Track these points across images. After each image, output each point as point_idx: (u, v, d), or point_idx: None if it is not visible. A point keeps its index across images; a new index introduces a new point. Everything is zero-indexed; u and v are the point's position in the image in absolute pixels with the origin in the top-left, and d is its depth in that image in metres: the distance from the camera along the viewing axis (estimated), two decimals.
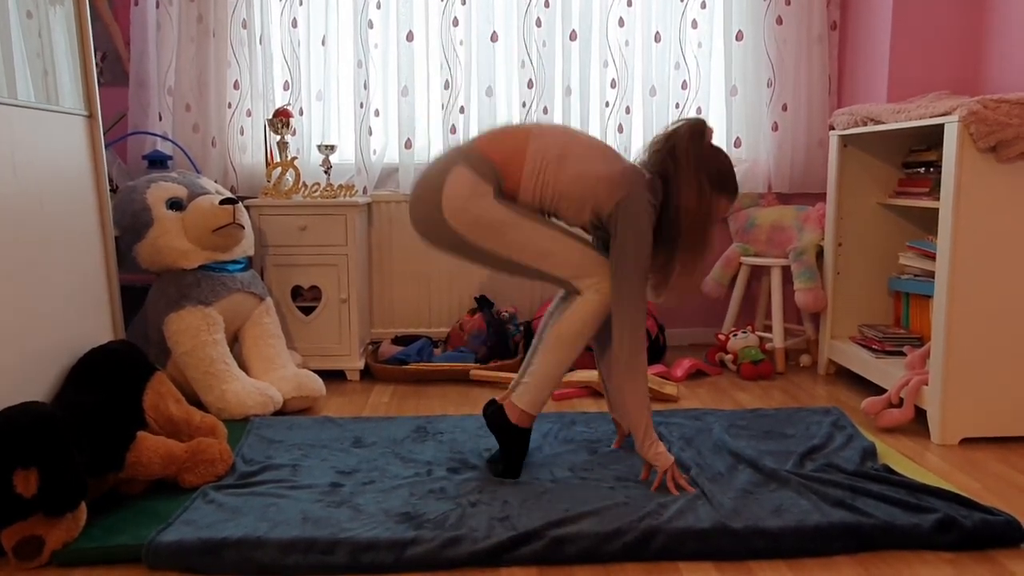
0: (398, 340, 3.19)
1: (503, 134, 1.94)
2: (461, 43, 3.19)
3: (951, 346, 2.24)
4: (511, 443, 1.99)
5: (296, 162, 3.03)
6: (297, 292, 2.96)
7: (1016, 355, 2.26)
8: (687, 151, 1.86)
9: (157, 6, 3.12)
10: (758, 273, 3.43)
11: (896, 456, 2.13)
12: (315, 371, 2.74)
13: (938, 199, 2.46)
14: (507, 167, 1.88)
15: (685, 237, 1.88)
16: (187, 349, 2.43)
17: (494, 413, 2.01)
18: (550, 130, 1.94)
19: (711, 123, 3.26)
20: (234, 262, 2.65)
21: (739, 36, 3.29)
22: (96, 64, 2.38)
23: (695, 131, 1.89)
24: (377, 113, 3.24)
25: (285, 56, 3.18)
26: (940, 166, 2.60)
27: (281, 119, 2.97)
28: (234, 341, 2.69)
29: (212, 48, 3.13)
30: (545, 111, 3.23)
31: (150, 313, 2.54)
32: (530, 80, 3.21)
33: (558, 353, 1.93)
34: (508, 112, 3.27)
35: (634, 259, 1.85)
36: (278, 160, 3.00)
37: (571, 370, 2.97)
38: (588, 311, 1.90)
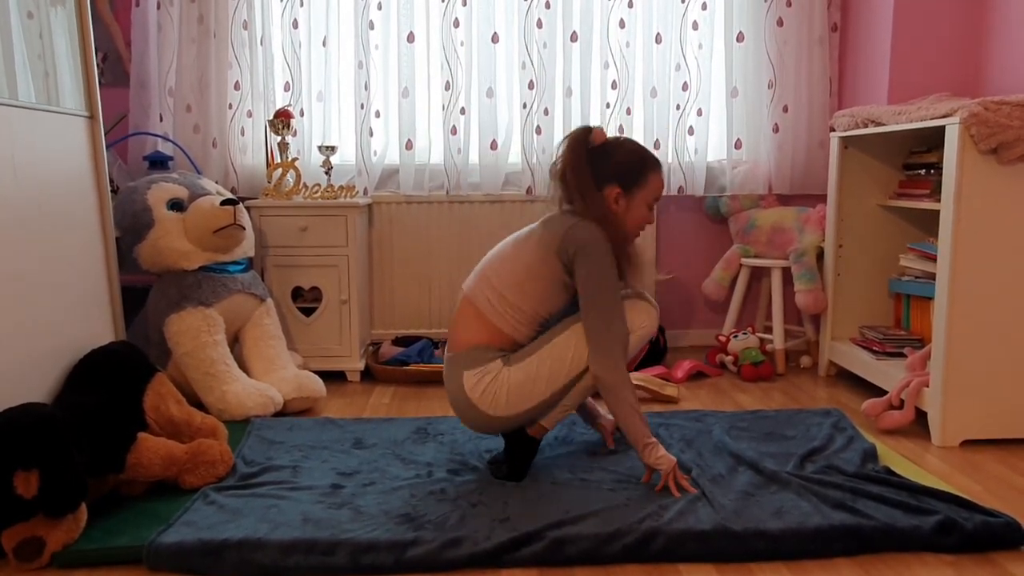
0: (399, 341, 3.19)
1: (457, 322, 1.96)
2: (462, 44, 3.19)
3: (952, 348, 2.24)
4: (521, 449, 1.99)
5: (297, 163, 3.03)
6: (298, 293, 2.96)
7: (1017, 357, 2.25)
8: (570, 166, 1.90)
9: (158, 7, 3.12)
10: (758, 274, 3.43)
11: (897, 458, 2.13)
12: (315, 372, 2.73)
13: (939, 201, 2.46)
14: (488, 336, 1.90)
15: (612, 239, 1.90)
16: (188, 350, 2.43)
17: None
18: (475, 279, 1.96)
19: (712, 124, 3.26)
20: (235, 263, 2.65)
21: (740, 37, 3.29)
22: (97, 65, 2.38)
23: (574, 144, 1.92)
24: (378, 114, 3.24)
25: (286, 57, 3.18)
26: (941, 168, 2.60)
27: (282, 120, 2.97)
28: (235, 342, 2.69)
29: (213, 49, 3.13)
30: (546, 112, 3.23)
31: (151, 314, 2.54)
32: (531, 81, 3.21)
33: (590, 385, 1.93)
34: (509, 113, 3.27)
35: (597, 289, 1.85)
36: (279, 161, 3.00)
37: None
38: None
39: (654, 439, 1.88)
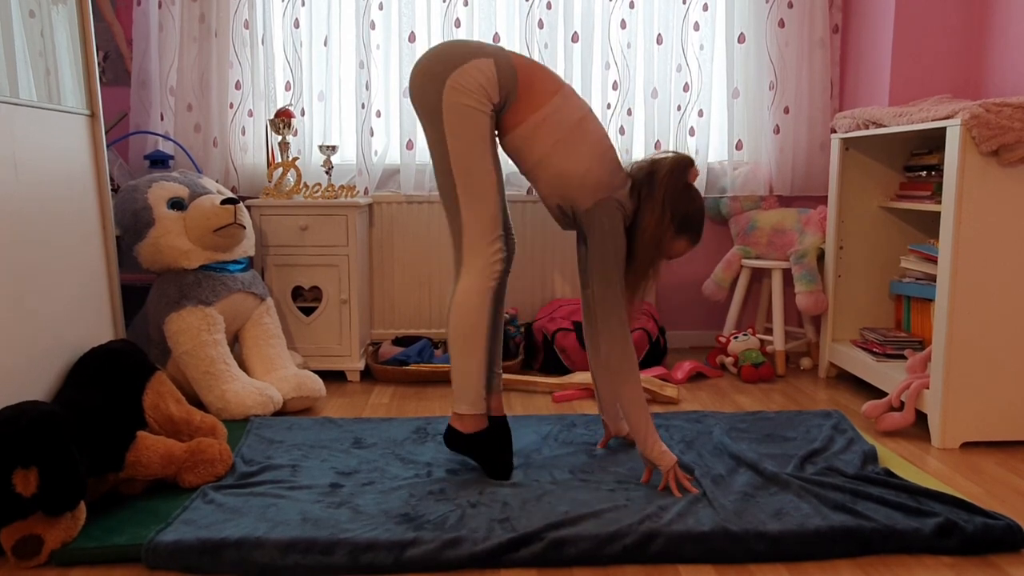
0: (398, 341, 3.19)
1: (542, 70, 1.93)
2: None
3: (952, 350, 2.24)
4: (476, 451, 1.98)
5: (297, 162, 3.03)
6: (298, 292, 2.96)
7: (1017, 359, 2.25)
8: (664, 179, 1.89)
9: (159, 6, 3.12)
10: (759, 276, 3.43)
11: (897, 460, 2.13)
12: (315, 372, 2.74)
13: (940, 202, 2.46)
14: (524, 97, 1.87)
15: (636, 258, 1.91)
16: (187, 349, 2.43)
17: (448, 434, 2.01)
18: (577, 100, 1.94)
19: (713, 125, 3.28)
20: (235, 262, 2.65)
21: (741, 38, 3.29)
22: (98, 64, 2.38)
23: (678, 164, 1.91)
24: (379, 114, 3.24)
25: (287, 56, 3.18)
26: (942, 169, 2.61)
27: (282, 119, 2.97)
28: (234, 341, 2.69)
29: (214, 48, 3.13)
30: None
31: (151, 313, 2.54)
32: None
33: (458, 345, 1.93)
34: None
35: (614, 260, 1.86)
36: (279, 160, 3.00)
37: (571, 372, 2.97)
38: (467, 297, 1.90)
39: (656, 434, 1.89)
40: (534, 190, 1.98)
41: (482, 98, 1.83)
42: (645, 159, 1.97)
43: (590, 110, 1.96)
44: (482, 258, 1.90)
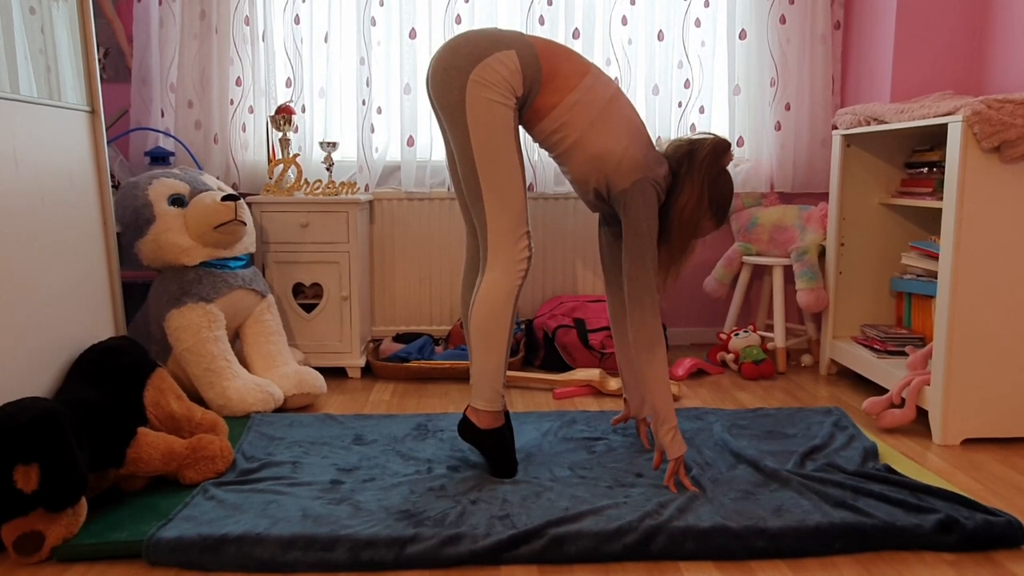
0: (399, 338, 3.19)
1: (565, 52, 1.90)
2: None
3: (953, 347, 2.24)
4: (489, 447, 1.98)
5: (298, 159, 3.03)
6: (298, 289, 2.96)
7: (1018, 356, 2.25)
8: (704, 161, 1.89)
9: (160, 3, 3.12)
10: (760, 272, 3.42)
11: (897, 456, 2.13)
12: (316, 368, 2.74)
13: (941, 199, 2.46)
14: (551, 83, 1.85)
15: (672, 237, 1.91)
16: (188, 346, 2.43)
17: (463, 424, 2.00)
18: (606, 79, 1.92)
19: (714, 122, 3.27)
20: (236, 259, 2.65)
21: (742, 35, 3.28)
22: (99, 60, 2.38)
23: (719, 146, 1.91)
24: (379, 110, 3.24)
25: (287, 53, 3.18)
26: (943, 166, 2.60)
27: (283, 116, 2.97)
28: (235, 338, 2.70)
29: (215, 44, 3.12)
30: None
31: (152, 309, 2.54)
32: None
33: (484, 342, 1.90)
34: None
35: (648, 239, 1.86)
36: (280, 157, 3.00)
37: (571, 369, 2.97)
38: (495, 292, 1.87)
39: (676, 419, 1.88)
40: (565, 175, 1.97)
41: (506, 92, 1.81)
42: (683, 138, 1.97)
43: (619, 88, 1.94)
44: (509, 255, 1.87)
